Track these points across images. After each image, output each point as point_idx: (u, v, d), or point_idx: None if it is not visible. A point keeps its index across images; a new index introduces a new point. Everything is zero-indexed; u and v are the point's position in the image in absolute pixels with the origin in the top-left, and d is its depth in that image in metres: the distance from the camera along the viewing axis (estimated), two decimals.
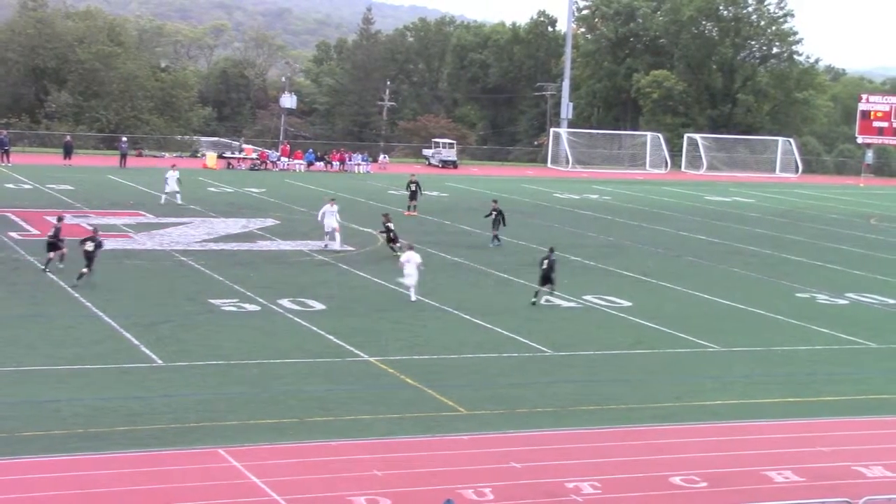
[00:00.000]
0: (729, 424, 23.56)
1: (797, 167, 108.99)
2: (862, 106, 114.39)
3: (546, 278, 35.33)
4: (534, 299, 35.34)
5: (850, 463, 21.33)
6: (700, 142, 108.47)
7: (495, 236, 48.50)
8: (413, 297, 34.87)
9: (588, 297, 36.98)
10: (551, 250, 35.97)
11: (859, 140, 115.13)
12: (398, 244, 42.37)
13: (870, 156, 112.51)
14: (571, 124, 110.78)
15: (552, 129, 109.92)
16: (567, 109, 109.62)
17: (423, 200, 61.40)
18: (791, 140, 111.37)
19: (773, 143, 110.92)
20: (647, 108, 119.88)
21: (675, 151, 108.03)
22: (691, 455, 21.28)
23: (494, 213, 48.60)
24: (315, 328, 30.55)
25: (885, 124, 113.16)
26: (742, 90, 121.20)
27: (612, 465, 20.45)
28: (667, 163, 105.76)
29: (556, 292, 35.69)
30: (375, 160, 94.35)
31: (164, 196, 57.65)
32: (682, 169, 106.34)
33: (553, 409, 23.94)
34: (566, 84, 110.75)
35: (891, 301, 39.36)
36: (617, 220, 61.08)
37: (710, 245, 52.44)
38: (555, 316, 34.17)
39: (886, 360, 30.77)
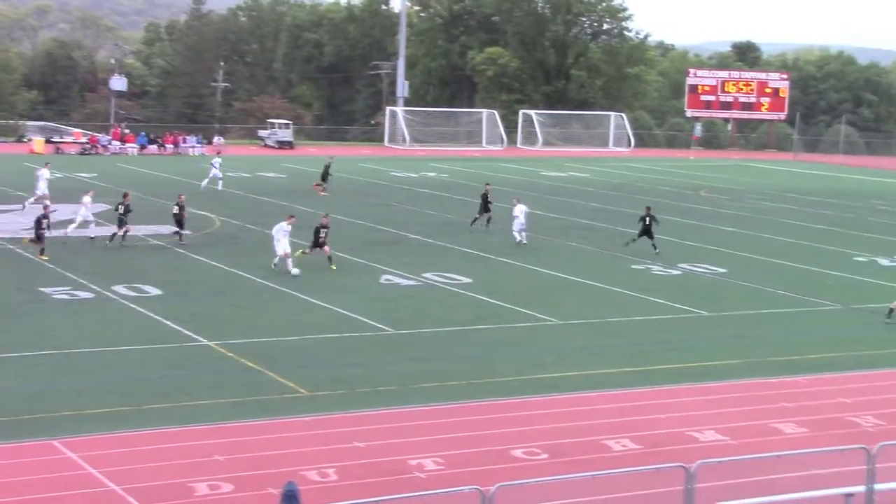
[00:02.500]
0: (568, 396, 23.89)
1: (630, 141, 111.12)
2: (690, 80, 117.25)
3: (646, 232, 42.39)
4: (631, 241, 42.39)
5: (684, 429, 21.86)
6: (535, 118, 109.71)
7: (475, 220, 48.17)
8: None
9: (428, 275, 37.08)
10: (648, 209, 43.44)
11: (688, 114, 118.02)
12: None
13: (698, 129, 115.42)
14: (408, 103, 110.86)
15: (388, 108, 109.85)
16: (403, 88, 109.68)
17: (259, 182, 60.80)
18: (623, 115, 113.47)
19: (605, 118, 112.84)
20: (482, 86, 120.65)
21: (510, 128, 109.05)
22: (532, 428, 21.52)
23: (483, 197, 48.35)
24: (151, 314, 29.97)
25: (712, 98, 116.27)
26: (575, 66, 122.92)
27: (455, 441, 20.56)
28: (503, 139, 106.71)
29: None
30: (210, 142, 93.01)
31: (204, 182, 56.93)
32: (518, 145, 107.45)
33: (394, 388, 23.95)
34: (401, 62, 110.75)
35: (721, 270, 40.44)
36: (455, 197, 61.40)
37: (548, 220, 53.09)
38: (395, 294, 34.19)
39: (717, 327, 31.62)
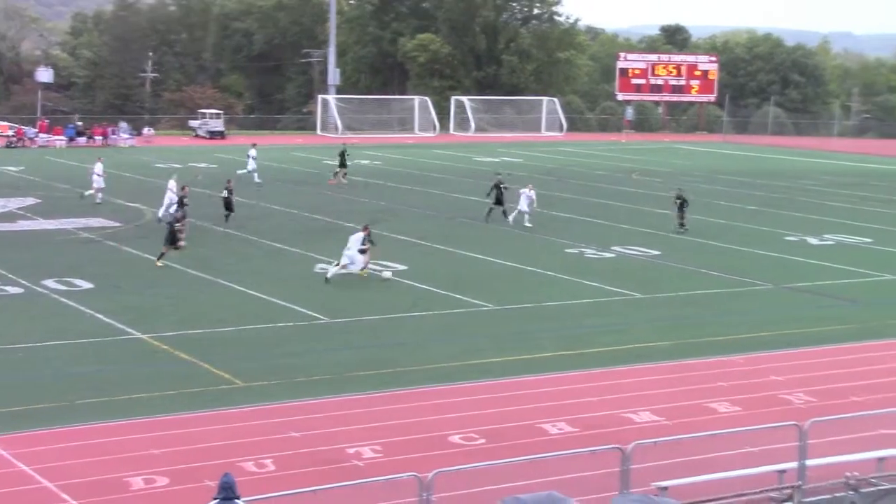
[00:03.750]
0: (504, 381, 23.98)
1: (562, 126, 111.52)
2: (620, 64, 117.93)
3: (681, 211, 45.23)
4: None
5: (619, 410, 22.02)
6: (467, 104, 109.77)
7: (490, 211, 48.01)
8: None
9: None
10: (681, 189, 46.31)
11: (619, 97, 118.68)
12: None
13: (630, 112, 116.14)
14: (339, 90, 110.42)
15: (320, 96, 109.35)
16: (334, 76, 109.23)
17: (190, 172, 60.26)
18: (555, 99, 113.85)
19: (538, 103, 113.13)
20: (414, 72, 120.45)
21: (443, 114, 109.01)
22: (469, 413, 21.57)
23: (495, 188, 48.24)
24: (83, 308, 29.65)
25: (642, 81, 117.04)
26: (506, 52, 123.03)
27: (392, 428, 20.56)
28: (435, 126, 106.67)
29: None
30: (140, 133, 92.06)
31: (241, 171, 55.67)
32: (451, 131, 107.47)
33: (331, 376, 23.90)
34: (332, 50, 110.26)
35: (654, 252, 40.76)
36: (389, 184, 61.31)
37: (482, 206, 53.10)
38: (331, 283, 34.07)
39: (651, 309, 31.87)
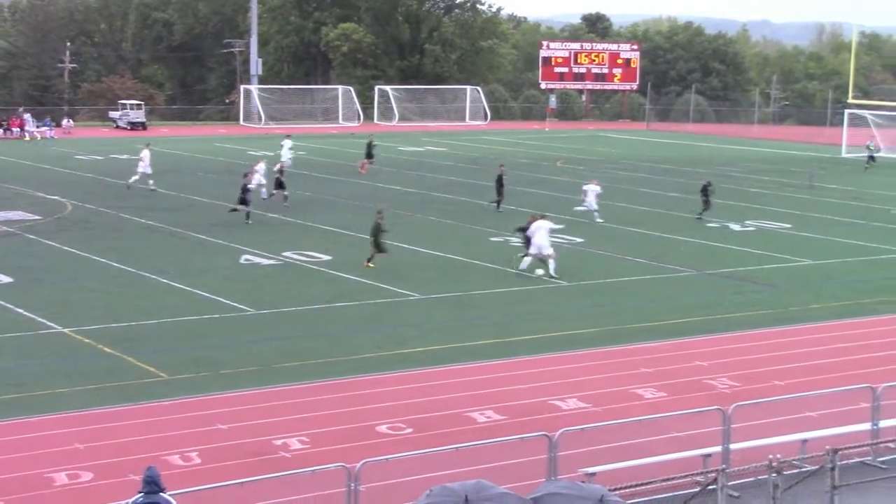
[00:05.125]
0: (431, 370, 23.98)
1: (486, 114, 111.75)
2: (543, 52, 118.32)
3: (706, 202, 46.20)
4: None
5: (547, 398, 22.12)
6: (391, 93, 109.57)
7: (498, 203, 48.04)
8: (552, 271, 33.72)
9: (287, 254, 36.82)
10: (709, 182, 47.53)
11: (543, 86, 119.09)
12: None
13: (553, 100, 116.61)
14: (262, 80, 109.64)
15: (243, 87, 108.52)
16: (256, 66, 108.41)
17: (112, 164, 59.59)
18: (479, 88, 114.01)
19: (461, 92, 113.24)
20: (337, 62, 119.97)
21: (366, 104, 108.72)
22: (395, 403, 21.54)
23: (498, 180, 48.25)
24: (2, 302, 29.17)
25: (565, 70, 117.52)
26: (429, 41, 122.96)
27: (319, 419, 20.48)
28: (359, 115, 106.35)
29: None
30: (59, 125, 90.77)
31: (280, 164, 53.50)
32: (375, 121, 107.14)
33: (257, 368, 23.74)
34: (254, 40, 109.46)
35: (578, 239, 40.97)
36: (313, 174, 61.01)
37: (406, 195, 53.17)
38: (255, 274, 33.88)
39: (577, 296, 32.04)
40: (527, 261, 34.35)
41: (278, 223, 43.60)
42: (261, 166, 51.30)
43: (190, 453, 18.57)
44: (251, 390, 22.15)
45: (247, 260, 35.65)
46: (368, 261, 34.61)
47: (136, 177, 52.76)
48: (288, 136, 63.70)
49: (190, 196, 51.14)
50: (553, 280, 33.46)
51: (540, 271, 34.03)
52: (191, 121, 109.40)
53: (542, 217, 35.06)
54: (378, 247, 34.70)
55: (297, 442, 19.30)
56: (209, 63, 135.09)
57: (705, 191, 47.12)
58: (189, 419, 20.37)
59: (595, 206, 45.57)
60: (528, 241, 34.47)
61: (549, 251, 34.02)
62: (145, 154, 53.22)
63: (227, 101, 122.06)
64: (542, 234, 34.00)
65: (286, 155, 59.47)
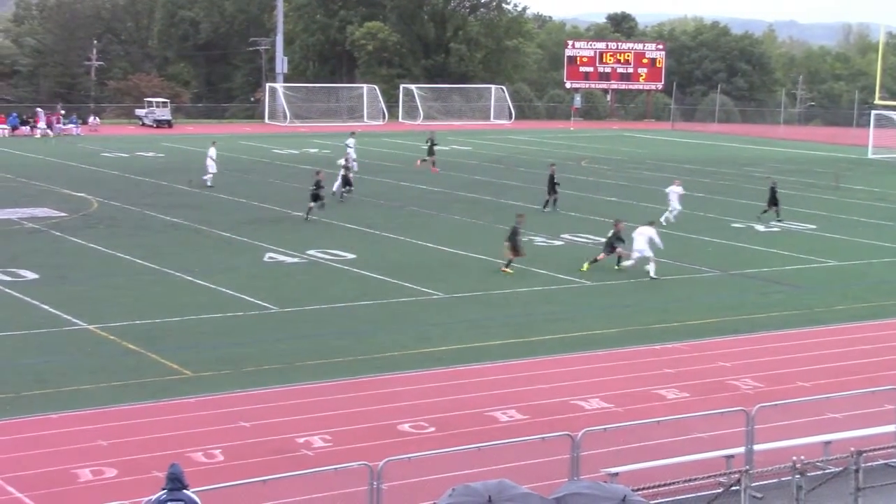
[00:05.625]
0: (454, 369, 23.98)
1: (510, 114, 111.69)
2: (568, 52, 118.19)
3: (773, 201, 45.59)
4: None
5: (569, 398, 22.08)
6: (416, 92, 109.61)
7: (548, 201, 48.32)
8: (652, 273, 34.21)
9: (312, 252, 36.89)
10: (774, 182, 46.62)
11: (567, 85, 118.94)
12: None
13: (578, 100, 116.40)
14: (287, 79, 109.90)
15: (268, 85, 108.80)
16: (282, 64, 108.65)
17: (137, 162, 59.80)
18: (503, 87, 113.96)
19: (486, 91, 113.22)
20: (362, 61, 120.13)
21: (391, 103, 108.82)
22: (418, 402, 21.55)
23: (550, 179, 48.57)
24: (28, 298, 29.33)
25: (590, 69, 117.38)
26: (454, 40, 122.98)
27: (342, 417, 20.50)
28: (384, 114, 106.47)
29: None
30: (85, 122, 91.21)
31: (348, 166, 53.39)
32: (400, 119, 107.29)
33: (280, 366, 23.79)
34: (279, 38, 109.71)
35: (601, 239, 40.79)
36: (338, 173, 60.96)
37: (431, 194, 53.19)
38: (279, 272, 33.95)
39: (600, 296, 31.98)
40: (627, 264, 34.77)
41: (302, 221, 43.64)
42: (212, 151, 53.54)
43: (213, 450, 18.62)
44: (274, 388, 22.20)
45: (271, 258, 35.73)
46: (506, 266, 34.52)
47: (209, 175, 53.80)
48: (352, 134, 63.95)
49: (215, 194, 51.28)
50: (623, 274, 34.50)
51: (651, 267, 34.38)
52: (216, 119, 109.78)
53: (650, 224, 35.93)
54: (515, 250, 34.54)
55: (320, 440, 19.33)
56: (235, 61, 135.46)
57: (773, 192, 46.67)
58: (212, 416, 20.42)
59: (679, 207, 45.16)
60: (611, 248, 35.37)
61: (649, 254, 34.41)
62: (212, 152, 54.37)
63: (252, 99, 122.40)
64: (641, 239, 34.59)
65: (352, 154, 59.51)
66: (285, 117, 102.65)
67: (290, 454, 18.57)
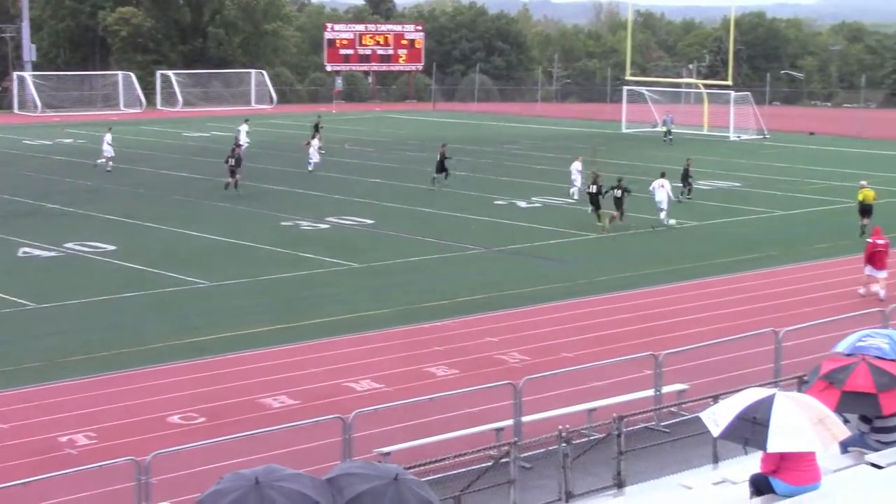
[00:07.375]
0: (221, 358, 23.62)
1: (272, 98, 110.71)
2: (328, 35, 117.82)
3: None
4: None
5: (341, 380, 22.06)
6: (174, 78, 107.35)
7: (433, 179, 49.58)
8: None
9: (69, 245, 35.73)
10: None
11: (328, 68, 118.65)
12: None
13: (339, 83, 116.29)
14: (36, 67, 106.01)
15: (16, 74, 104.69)
16: (29, 52, 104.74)
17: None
18: (264, 72, 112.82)
19: (246, 76, 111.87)
20: (116, 47, 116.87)
21: (148, 90, 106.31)
22: (186, 393, 21.14)
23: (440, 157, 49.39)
24: None
25: (350, 52, 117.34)
26: (211, 24, 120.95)
27: (106, 413, 19.93)
28: (141, 102, 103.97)
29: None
30: None
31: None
32: (158, 107, 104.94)
33: (39, 364, 22.96)
34: (26, 25, 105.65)
35: (368, 221, 41.01)
36: (94, 163, 59.27)
37: (193, 181, 52.28)
38: (35, 267, 32.78)
39: (368, 278, 32.04)
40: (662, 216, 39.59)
41: (58, 214, 42.22)
42: (108, 136, 54.62)
43: None
44: (34, 387, 21.42)
45: (25, 253, 34.44)
46: (609, 222, 38.77)
47: (102, 160, 54.22)
48: (246, 120, 65.26)
49: None
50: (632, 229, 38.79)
51: (672, 221, 39.80)
52: None
53: (662, 176, 40.67)
54: (621, 213, 39.06)
55: (84, 437, 18.74)
56: None
57: (686, 174, 46.77)
58: None
59: (665, 205, 41.47)
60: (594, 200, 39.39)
61: (665, 206, 39.71)
62: (108, 137, 54.92)
63: (0, 88, 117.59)
64: (662, 192, 39.71)
65: (243, 139, 59.31)
66: (36, 107, 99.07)
67: (52, 454, 17.95)
